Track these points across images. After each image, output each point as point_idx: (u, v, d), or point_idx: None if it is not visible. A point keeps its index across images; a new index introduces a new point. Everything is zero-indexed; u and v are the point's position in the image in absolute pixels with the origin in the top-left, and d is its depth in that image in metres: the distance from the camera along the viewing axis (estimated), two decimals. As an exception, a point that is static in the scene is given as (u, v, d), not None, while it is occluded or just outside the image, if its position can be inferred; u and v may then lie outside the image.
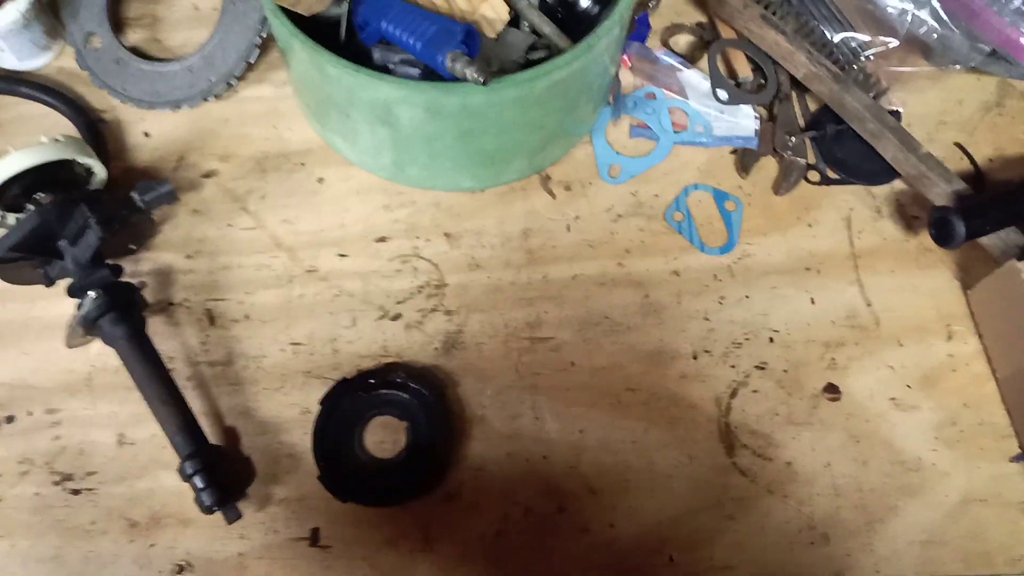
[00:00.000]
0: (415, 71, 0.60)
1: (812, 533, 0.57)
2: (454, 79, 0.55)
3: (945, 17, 0.69)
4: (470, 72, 0.53)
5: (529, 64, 0.58)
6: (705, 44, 0.75)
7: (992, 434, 0.61)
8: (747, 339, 0.63)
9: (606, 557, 0.56)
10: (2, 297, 0.62)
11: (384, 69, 0.60)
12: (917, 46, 0.73)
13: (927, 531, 0.58)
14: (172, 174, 0.68)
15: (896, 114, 0.70)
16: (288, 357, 0.61)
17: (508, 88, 0.55)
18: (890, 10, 0.71)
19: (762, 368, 0.62)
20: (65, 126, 0.68)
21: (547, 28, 0.63)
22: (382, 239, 0.66)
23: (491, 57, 0.61)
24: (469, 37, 0.57)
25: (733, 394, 0.62)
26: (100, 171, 0.62)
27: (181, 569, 0.55)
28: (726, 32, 0.74)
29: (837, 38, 0.72)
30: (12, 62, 0.71)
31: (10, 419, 0.59)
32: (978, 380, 0.63)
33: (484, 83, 0.53)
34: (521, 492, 0.58)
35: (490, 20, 0.60)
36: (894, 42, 0.71)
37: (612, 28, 0.58)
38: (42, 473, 0.58)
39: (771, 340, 0.63)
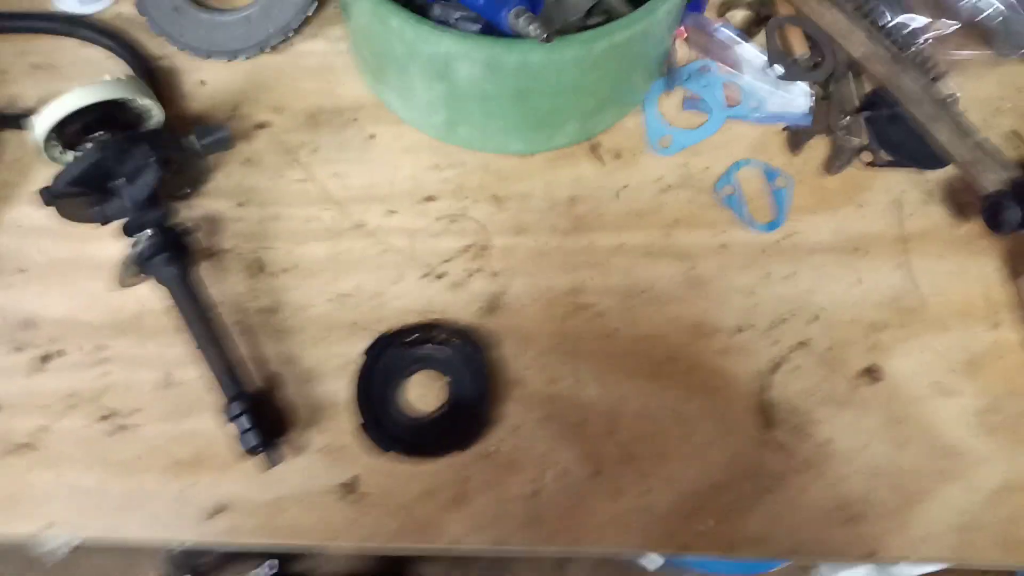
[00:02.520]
0: (475, 27, 0.60)
1: (847, 511, 0.57)
2: (514, 36, 0.55)
3: (1006, 2, 0.68)
4: (533, 28, 0.53)
5: (587, 27, 0.58)
6: (762, 19, 0.74)
7: (1035, 423, 0.60)
8: (791, 316, 0.63)
9: (641, 521, 0.57)
10: (56, 235, 0.63)
11: (444, 25, 0.60)
12: (977, 31, 0.72)
13: (964, 516, 0.57)
14: (225, 123, 0.68)
15: (953, 99, 0.69)
16: (334, 308, 0.62)
17: (568, 47, 0.55)
18: (952, -7, 0.70)
19: (804, 345, 0.62)
20: (123, 70, 0.69)
21: (608, -8, 0.62)
22: (430, 198, 0.66)
23: (551, 17, 0.61)
24: (532, -5, 0.57)
25: (774, 369, 0.61)
26: (158, 113, 0.62)
27: (220, 509, 0.56)
28: (784, 9, 0.74)
29: (896, 20, 0.71)
30: (73, 5, 0.72)
31: (60, 353, 0.60)
32: (1023, 369, 0.62)
33: (547, 40, 0.53)
34: (558, 454, 0.58)
35: (552, -20, 0.60)
36: (954, 25, 0.70)
37: (675, -6, 0.58)
38: (89, 407, 0.59)
39: (815, 318, 0.63)
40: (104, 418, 0.58)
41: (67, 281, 0.62)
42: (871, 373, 0.62)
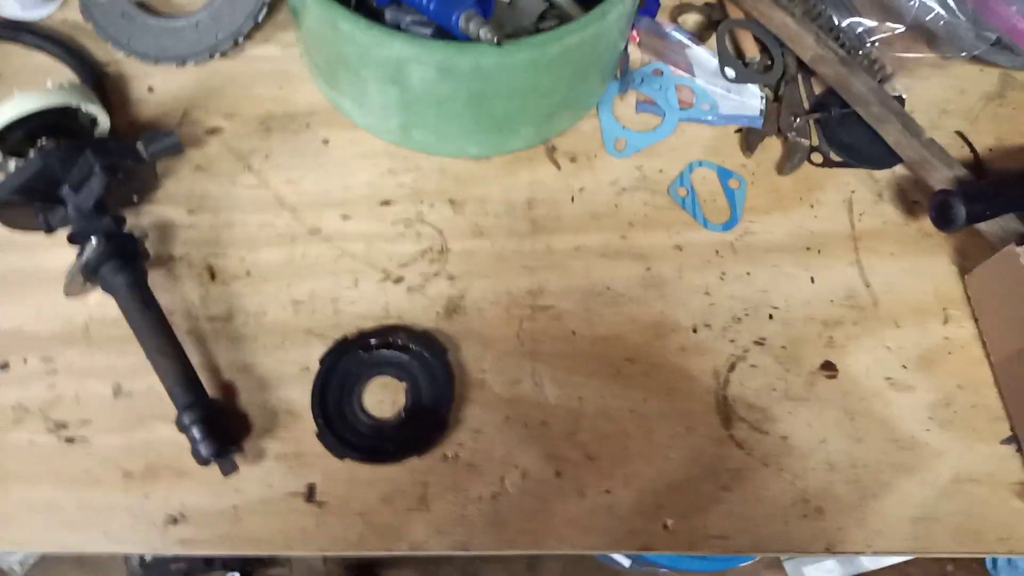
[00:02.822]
0: (427, 31, 0.60)
1: (806, 506, 0.58)
2: (467, 40, 0.55)
3: (952, 4, 0.69)
4: (484, 32, 0.53)
5: (540, 32, 0.58)
6: (714, 23, 0.75)
7: (985, 416, 0.61)
8: (747, 315, 0.64)
9: (602, 521, 0.57)
10: (2, 246, 0.62)
11: (399, 29, 0.60)
12: (923, 33, 0.74)
13: (920, 508, 0.58)
14: (176, 130, 0.67)
15: (900, 100, 0.71)
16: (289, 315, 0.61)
17: (521, 50, 0.55)
18: (898, -4, 0.72)
19: (761, 344, 0.63)
20: (69, 77, 0.68)
21: (560, -3, 0.63)
22: (386, 203, 0.66)
23: (503, 21, 0.61)
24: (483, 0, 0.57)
25: (731, 368, 0.62)
26: (104, 121, 0.61)
27: (175, 520, 0.55)
28: (735, 13, 0.75)
29: (844, 23, 0.73)
30: (16, 11, 0.70)
31: (4, 366, 0.58)
32: (973, 363, 0.63)
33: (497, 44, 0.53)
34: (519, 456, 0.58)
35: (504, -16, 0.60)
36: (900, 28, 0.72)
37: (626, -3, 0.58)
38: (36, 421, 0.57)
39: (770, 317, 0.64)
40: (53, 430, 0.57)
41: (13, 292, 0.61)
42: (826, 370, 0.62)
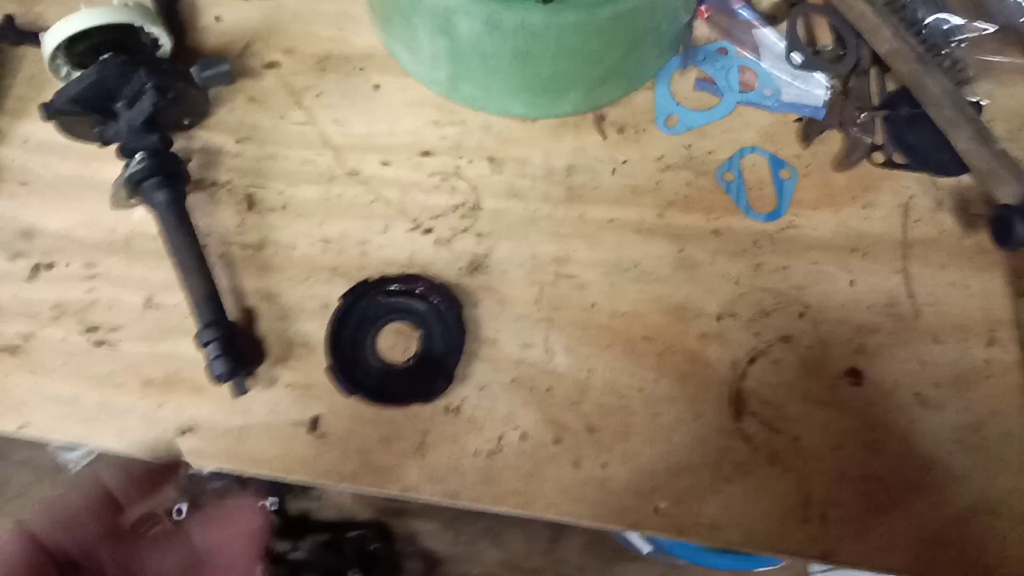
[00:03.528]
0: (482, -16, 0.59)
1: (807, 511, 0.56)
2: (518, -4, 0.55)
3: (1049, 8, 0.65)
4: (533, -12, 0.53)
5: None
6: (790, 6, 0.72)
7: (1017, 448, 0.58)
8: (776, 309, 0.62)
9: (594, 494, 0.56)
10: (61, 153, 0.65)
11: (452, -21, 0.60)
12: (1016, 36, 0.69)
13: (929, 532, 0.56)
14: (236, 60, 0.69)
15: (977, 106, 0.67)
16: (317, 252, 0.63)
17: (569, 11, 0.54)
18: (993, -5, 0.67)
19: (786, 341, 0.61)
20: (144, -1, 0.70)
21: (624, -39, 0.61)
22: (426, 153, 0.66)
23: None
24: (540, -45, 0.56)
25: (752, 361, 0.60)
26: (166, 43, 0.63)
27: (186, 430, 0.57)
28: (813, -3, 0.71)
29: (929, 18, 0.69)
30: (104, -68, 0.73)
31: (50, 266, 0.62)
32: (1012, 390, 0.60)
33: (544, 1, 0.52)
34: (521, 418, 0.58)
35: (565, -58, 0.59)
36: (990, 28, 0.67)
37: (688, -34, 0.56)
38: (72, 321, 0.60)
39: (801, 315, 0.62)
40: (87, 332, 0.60)
41: (67, 197, 0.64)
42: (852, 376, 0.60)
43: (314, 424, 0.58)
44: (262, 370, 0.59)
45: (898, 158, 0.67)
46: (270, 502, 1.33)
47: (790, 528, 0.56)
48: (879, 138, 0.67)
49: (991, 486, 0.57)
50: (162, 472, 0.37)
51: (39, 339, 0.60)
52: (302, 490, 1.38)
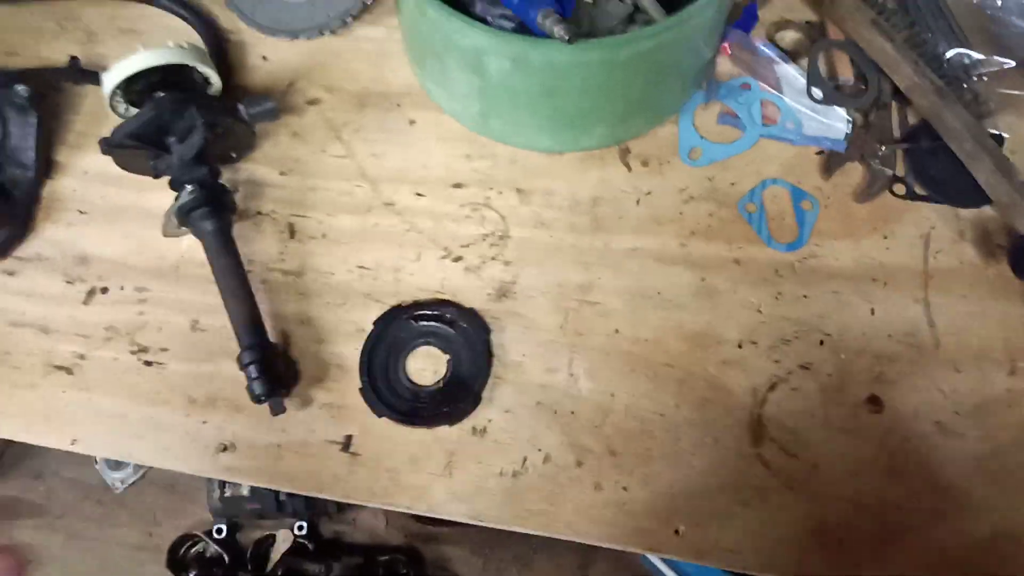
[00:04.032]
0: (509, 25, 0.62)
1: (825, 536, 0.57)
2: (544, 36, 0.58)
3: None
4: (558, 29, 0.56)
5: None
6: (811, 43, 0.74)
7: (1038, 476, 0.58)
8: (796, 337, 0.63)
9: (615, 516, 0.58)
10: (118, 183, 0.69)
11: (483, 21, 0.63)
12: (1037, 72, 0.70)
13: (947, 558, 0.56)
14: (280, 97, 0.73)
15: (999, 138, 0.68)
16: (354, 278, 0.66)
17: (593, 50, 0.57)
18: (1013, 29, 0.68)
19: (806, 368, 0.62)
20: (192, 39, 0.75)
21: (646, 2, 0.64)
22: (458, 185, 0.69)
23: (587, 21, 0.63)
24: (565, -1, 0.59)
25: (771, 388, 0.62)
26: (216, 81, 0.67)
27: (225, 448, 0.61)
28: (835, 34, 0.73)
29: (950, 53, 0.70)
30: (160, -22, 0.78)
31: (104, 290, 0.66)
32: (1034, 420, 0.60)
33: (569, 41, 0.55)
34: (544, 440, 0.60)
35: (589, -14, 0.62)
36: (1009, 63, 0.68)
37: (706, 7, 0.59)
38: (123, 342, 0.64)
39: (821, 343, 0.63)
40: (135, 352, 0.64)
41: (121, 226, 0.68)
42: (872, 404, 0.61)
43: (347, 443, 0.60)
44: (299, 390, 0.62)
45: (919, 190, 0.68)
46: (297, 526, 1.35)
47: (808, 553, 0.57)
48: (900, 170, 0.69)
49: (1012, 514, 0.57)
50: None
51: (92, 359, 0.64)
52: (336, 513, 1.40)
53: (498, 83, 0.62)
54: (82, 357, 0.64)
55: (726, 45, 0.72)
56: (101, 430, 0.61)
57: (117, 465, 1.42)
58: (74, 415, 0.62)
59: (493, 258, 0.66)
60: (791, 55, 0.74)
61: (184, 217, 0.62)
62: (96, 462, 1.43)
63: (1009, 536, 0.57)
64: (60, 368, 0.63)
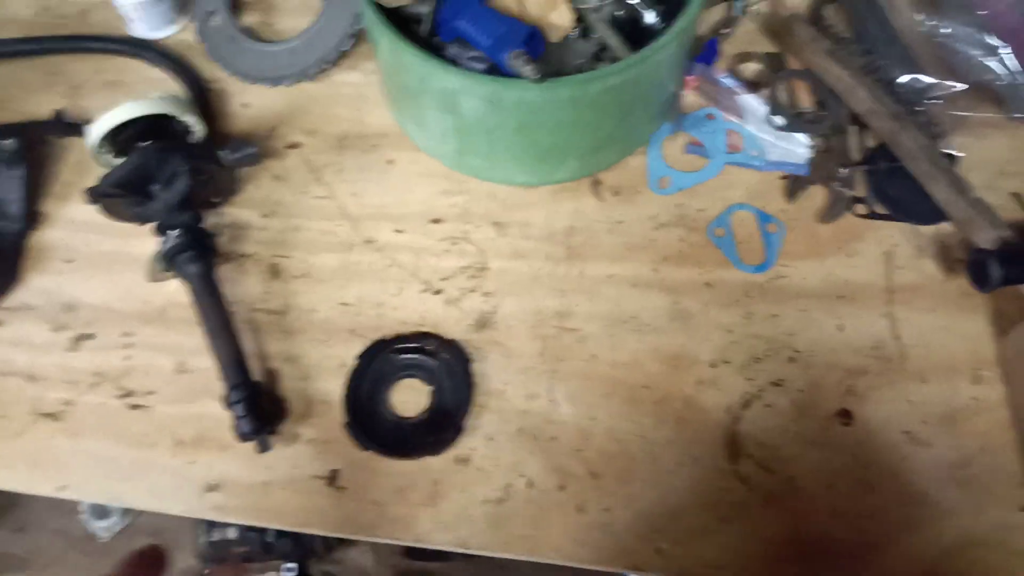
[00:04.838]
0: (481, 67, 0.65)
1: (803, 548, 0.59)
2: (517, 76, 0.60)
3: (1011, 65, 0.69)
4: (527, 69, 0.58)
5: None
6: (773, 73, 0.77)
7: (1005, 482, 0.60)
8: (768, 355, 0.65)
9: (598, 537, 0.59)
10: (103, 231, 0.71)
11: (456, 64, 0.66)
12: (989, 94, 0.73)
13: (922, 566, 0.58)
14: (262, 142, 0.75)
15: (952, 157, 0.71)
16: (337, 314, 0.67)
17: (562, 87, 0.60)
18: (962, 55, 0.72)
19: (779, 385, 0.64)
20: (175, 90, 0.77)
21: (612, 40, 0.67)
22: (437, 220, 0.71)
23: (556, 60, 0.66)
24: (533, 39, 0.62)
25: (746, 405, 0.63)
26: (199, 129, 0.70)
27: (214, 487, 0.61)
28: (794, 64, 0.77)
29: (904, 79, 0.73)
30: (143, 31, 0.81)
31: (91, 336, 0.67)
32: (999, 427, 0.62)
33: (539, 80, 0.58)
34: (527, 466, 0.61)
35: (556, 26, 0.65)
36: (960, 87, 0.72)
37: (668, 44, 0.62)
38: (110, 387, 0.65)
39: (791, 360, 0.65)
40: (122, 396, 0.65)
41: (107, 272, 0.70)
42: (843, 417, 0.63)
43: (333, 478, 0.61)
44: (284, 427, 0.63)
45: (880, 209, 0.71)
46: (286, 568, 1.35)
47: (787, 566, 0.58)
48: (861, 191, 0.72)
49: (982, 519, 0.59)
50: None
51: (79, 405, 0.65)
52: (324, 553, 1.40)
53: (473, 122, 0.64)
54: (69, 403, 0.65)
55: (690, 78, 0.75)
56: (90, 475, 0.62)
57: (102, 514, 1.41)
58: (62, 461, 0.63)
59: (472, 290, 0.68)
60: (753, 86, 0.77)
61: (169, 261, 0.63)
62: (80, 512, 1.42)
63: (979, 541, 0.58)
64: (47, 415, 0.64)
